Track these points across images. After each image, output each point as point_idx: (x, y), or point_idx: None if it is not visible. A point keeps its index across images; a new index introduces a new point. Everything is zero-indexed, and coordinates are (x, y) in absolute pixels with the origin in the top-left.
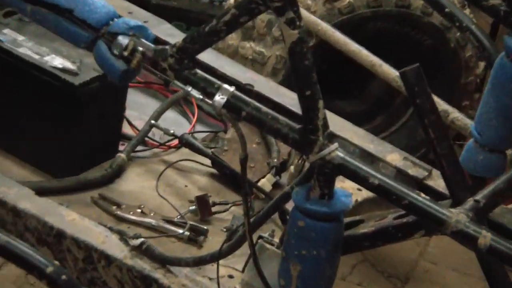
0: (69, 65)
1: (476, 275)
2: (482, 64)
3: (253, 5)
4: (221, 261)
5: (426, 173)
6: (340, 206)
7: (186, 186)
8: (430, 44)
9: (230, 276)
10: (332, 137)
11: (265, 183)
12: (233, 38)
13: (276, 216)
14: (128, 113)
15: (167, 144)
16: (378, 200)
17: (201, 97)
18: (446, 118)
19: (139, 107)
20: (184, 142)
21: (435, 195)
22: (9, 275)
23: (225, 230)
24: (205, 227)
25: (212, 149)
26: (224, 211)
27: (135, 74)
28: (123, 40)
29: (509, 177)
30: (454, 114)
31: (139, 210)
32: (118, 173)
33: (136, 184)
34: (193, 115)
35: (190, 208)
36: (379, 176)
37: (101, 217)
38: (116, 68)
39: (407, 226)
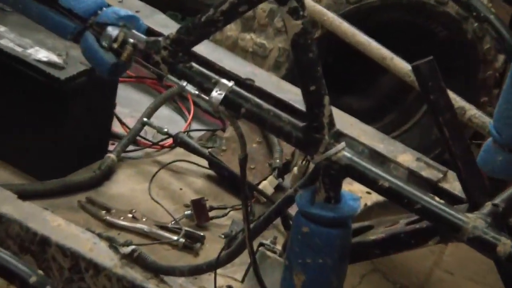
0: (54, 58)
1: (495, 286)
2: (501, 57)
3: None
4: (219, 270)
5: (441, 175)
6: (347, 211)
7: (181, 189)
8: (445, 35)
9: (229, 287)
10: (339, 136)
11: (267, 185)
12: (232, 29)
13: (278, 221)
14: (118, 110)
15: (160, 143)
16: (388, 204)
17: (197, 92)
18: (463, 116)
19: (130, 104)
20: (179, 142)
21: (451, 199)
22: None
23: (223, 236)
24: (202, 234)
25: (209, 149)
26: (222, 216)
27: (125, 67)
28: (112, 31)
29: None
30: (471, 111)
31: (130, 215)
32: (107, 175)
33: (127, 187)
34: (189, 112)
35: (186, 212)
36: (389, 178)
37: (89, 223)
38: (105, 62)
39: (420, 232)
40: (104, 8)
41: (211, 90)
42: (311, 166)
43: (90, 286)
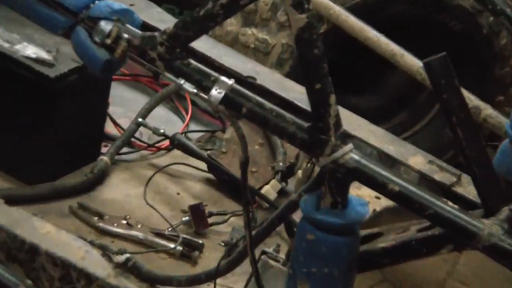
0: (43, 54)
1: None
2: None
3: None
4: (218, 280)
5: (455, 179)
6: (355, 217)
7: (178, 193)
8: (459, 30)
9: None
10: (346, 137)
11: (269, 190)
12: (232, 24)
13: (281, 228)
14: (111, 109)
15: (156, 145)
16: (399, 210)
17: (195, 91)
18: (478, 116)
19: (124, 103)
20: (176, 143)
21: (465, 204)
22: None
23: (223, 244)
24: (200, 241)
25: (208, 151)
26: (222, 222)
27: (119, 65)
28: (105, 25)
29: None
30: (487, 110)
31: (124, 222)
32: (100, 178)
33: (120, 192)
34: (187, 112)
35: (183, 219)
36: (400, 182)
37: (80, 230)
38: (98, 58)
39: (432, 240)
40: (97, 1)
41: (210, 89)
42: (316, 169)
43: None
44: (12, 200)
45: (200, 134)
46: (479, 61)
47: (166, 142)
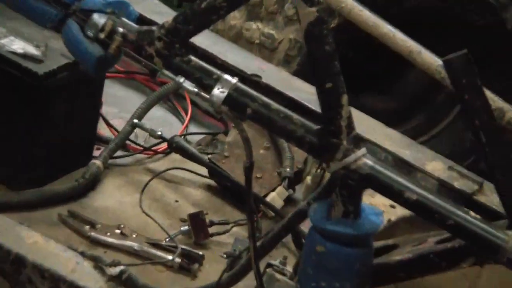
0: (31, 49)
1: None
2: None
3: None
4: None
5: (476, 187)
6: (368, 227)
7: (176, 201)
8: (482, 25)
9: None
10: (359, 141)
11: (275, 197)
12: (236, 18)
13: (288, 239)
14: (105, 109)
15: (153, 148)
16: (416, 220)
17: (196, 90)
18: (502, 118)
19: (118, 103)
20: (174, 146)
21: (488, 214)
22: None
23: (225, 256)
24: (200, 253)
25: (210, 155)
26: (224, 232)
27: (114, 61)
28: (99, 19)
29: None
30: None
31: (118, 231)
32: (92, 184)
33: (114, 199)
34: (186, 113)
35: (182, 228)
36: (417, 189)
37: (70, 240)
38: (90, 54)
39: (452, 252)
40: None
41: (212, 88)
42: (327, 175)
43: None
44: None
45: (201, 136)
46: (503, 59)
47: (164, 145)
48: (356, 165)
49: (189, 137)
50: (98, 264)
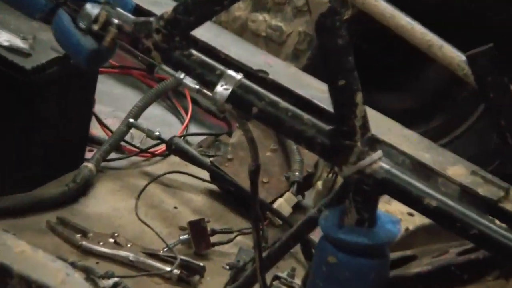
0: (18, 42)
1: None
2: None
3: None
4: None
5: (502, 193)
6: (384, 237)
7: (175, 207)
8: (509, 18)
9: None
10: (374, 143)
11: (283, 204)
12: (240, 8)
13: (297, 249)
14: (98, 108)
15: (150, 150)
16: (436, 229)
17: (197, 87)
18: None
19: (113, 100)
20: (173, 148)
21: None
22: None
23: (228, 267)
24: (201, 264)
25: (212, 158)
26: (227, 242)
27: (108, 55)
28: (92, 9)
29: None
30: None
31: (111, 240)
32: (83, 189)
33: (108, 205)
34: (186, 112)
35: (181, 237)
36: (438, 196)
37: (60, 249)
38: (83, 47)
39: (476, 264)
40: None
41: (215, 84)
42: (339, 180)
43: None
44: None
45: (202, 137)
46: None
47: (162, 147)
48: (371, 169)
49: (189, 138)
50: (90, 276)
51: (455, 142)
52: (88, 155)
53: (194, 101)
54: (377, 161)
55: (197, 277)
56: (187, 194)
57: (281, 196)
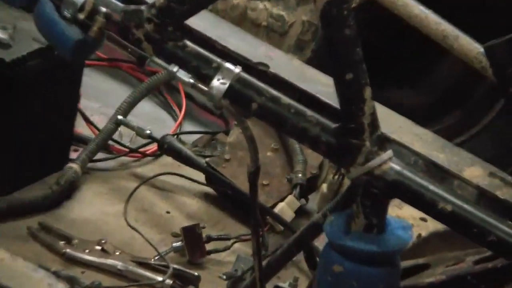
0: None
1: None
2: None
3: None
4: None
5: None
6: (394, 244)
7: (168, 212)
8: None
9: None
10: (384, 142)
11: (285, 208)
12: None
13: (300, 257)
14: (83, 104)
15: (140, 150)
16: (451, 236)
17: (192, 81)
18: None
19: (100, 96)
20: (166, 148)
21: None
22: None
23: (224, 277)
24: (196, 273)
25: (207, 159)
26: (224, 249)
27: (95, 46)
28: None
29: None
30: None
31: (98, 247)
32: (68, 192)
33: (94, 209)
34: (180, 108)
35: (174, 244)
36: (453, 199)
37: (42, 257)
38: (68, 38)
39: (494, 274)
40: None
41: (211, 78)
42: (346, 182)
43: None
44: None
45: (197, 136)
46: None
47: (154, 146)
48: (380, 170)
49: (183, 137)
50: (75, 286)
51: (472, 141)
52: (73, 155)
53: (189, 97)
54: (387, 162)
55: None
56: (180, 198)
57: (282, 199)
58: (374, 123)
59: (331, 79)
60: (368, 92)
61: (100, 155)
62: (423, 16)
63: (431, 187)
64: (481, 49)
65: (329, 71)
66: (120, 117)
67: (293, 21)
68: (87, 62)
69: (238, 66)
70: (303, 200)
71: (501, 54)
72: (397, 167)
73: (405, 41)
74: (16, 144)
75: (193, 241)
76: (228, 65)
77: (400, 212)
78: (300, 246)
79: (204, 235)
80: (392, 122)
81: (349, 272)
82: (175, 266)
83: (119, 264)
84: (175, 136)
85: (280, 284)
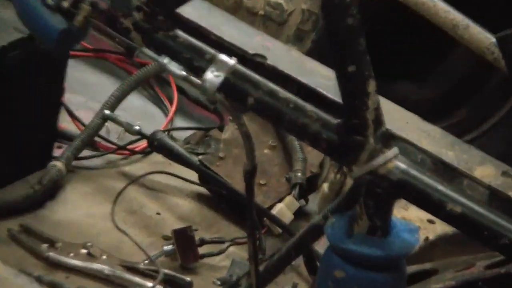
0: None
1: None
2: None
3: None
4: None
5: None
6: (400, 247)
7: (158, 213)
8: None
9: None
10: (389, 139)
11: (284, 210)
12: None
13: (299, 261)
14: (68, 97)
15: (129, 147)
16: (460, 239)
17: (184, 73)
18: None
19: (86, 89)
20: (156, 145)
21: None
22: None
23: (219, 283)
24: (188, 279)
25: (200, 156)
26: (218, 253)
27: (80, 36)
28: None
29: None
30: None
31: (84, 251)
32: (51, 192)
33: (79, 210)
34: (171, 102)
35: (165, 248)
36: (463, 200)
37: (24, 261)
38: (51, 27)
39: (506, 279)
40: None
41: (204, 70)
42: (348, 182)
43: None
44: None
45: (190, 132)
46: None
47: (143, 143)
48: (385, 169)
49: (175, 133)
50: None
51: (483, 138)
52: (57, 152)
53: (180, 90)
54: (392, 160)
55: None
56: (172, 198)
57: (281, 200)
58: (379, 119)
59: (333, 72)
60: (372, 85)
61: (86, 153)
62: (430, 4)
63: (439, 187)
64: (493, 40)
65: (331, 63)
66: (107, 112)
67: (292, 10)
68: (71, 53)
69: (233, 58)
70: (302, 201)
71: None
72: (403, 166)
73: (412, 31)
74: None
75: (185, 244)
76: (223, 56)
77: (406, 214)
78: (300, 250)
79: (197, 238)
80: (398, 118)
81: (352, 277)
82: (166, 271)
83: (106, 269)
84: (166, 133)
85: None
